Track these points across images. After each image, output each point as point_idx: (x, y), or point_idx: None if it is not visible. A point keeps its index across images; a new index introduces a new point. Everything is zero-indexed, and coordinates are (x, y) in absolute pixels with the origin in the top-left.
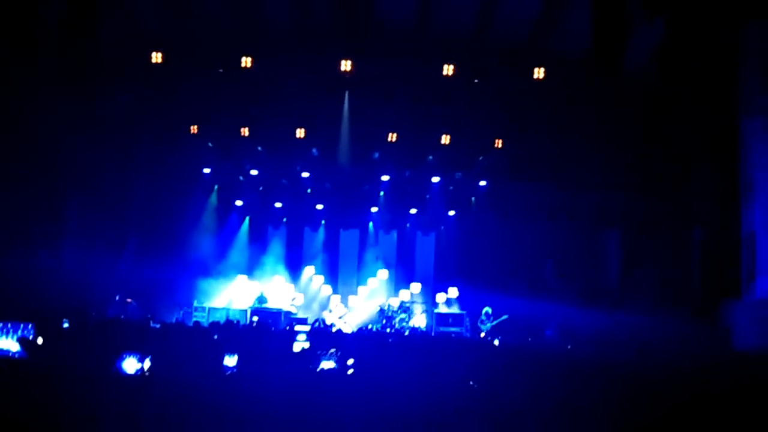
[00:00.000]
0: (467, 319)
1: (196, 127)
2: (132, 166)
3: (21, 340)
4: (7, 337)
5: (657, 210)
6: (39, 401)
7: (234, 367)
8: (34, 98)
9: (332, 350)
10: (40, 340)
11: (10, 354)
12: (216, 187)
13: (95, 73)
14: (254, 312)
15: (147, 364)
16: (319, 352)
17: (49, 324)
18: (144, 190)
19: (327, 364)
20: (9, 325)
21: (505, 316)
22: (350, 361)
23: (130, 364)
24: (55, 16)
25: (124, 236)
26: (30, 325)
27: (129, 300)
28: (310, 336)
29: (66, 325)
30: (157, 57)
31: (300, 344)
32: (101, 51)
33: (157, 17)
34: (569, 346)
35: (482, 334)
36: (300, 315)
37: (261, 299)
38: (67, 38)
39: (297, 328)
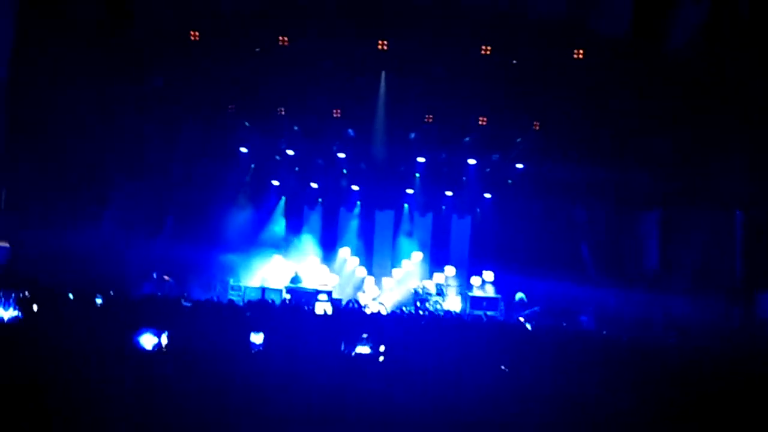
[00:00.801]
0: (502, 303)
1: (233, 105)
2: (171, 145)
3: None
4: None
5: (698, 192)
6: (47, 374)
7: (260, 345)
8: (76, 79)
9: (365, 335)
10: (35, 307)
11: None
12: (252, 166)
13: (134, 53)
14: (288, 291)
15: (164, 339)
16: (354, 338)
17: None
18: (182, 169)
19: (362, 349)
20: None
21: (536, 308)
22: (382, 348)
23: (148, 340)
24: None
25: (163, 214)
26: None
27: (166, 277)
28: (333, 303)
29: (99, 300)
30: (194, 35)
31: (322, 306)
32: (140, 31)
33: None
34: (604, 332)
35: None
36: (334, 296)
37: (295, 279)
38: (106, 19)
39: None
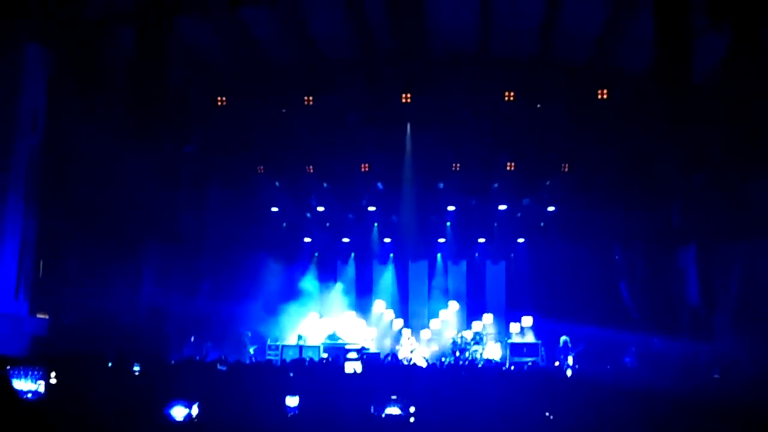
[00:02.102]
0: (542, 348)
1: (262, 167)
2: (202, 208)
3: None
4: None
5: (734, 223)
6: None
7: (295, 408)
8: (107, 145)
9: (394, 397)
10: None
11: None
12: (284, 224)
13: (164, 119)
14: (326, 349)
15: (195, 410)
16: (383, 399)
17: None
18: (215, 231)
19: (392, 410)
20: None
21: (581, 347)
22: (412, 409)
23: (178, 411)
24: (123, 64)
25: (198, 276)
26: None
27: (204, 343)
28: (363, 360)
29: (137, 368)
30: (222, 100)
31: (351, 365)
32: (168, 97)
33: (220, 62)
34: (647, 373)
35: (556, 363)
36: (371, 350)
37: (333, 336)
38: (135, 86)
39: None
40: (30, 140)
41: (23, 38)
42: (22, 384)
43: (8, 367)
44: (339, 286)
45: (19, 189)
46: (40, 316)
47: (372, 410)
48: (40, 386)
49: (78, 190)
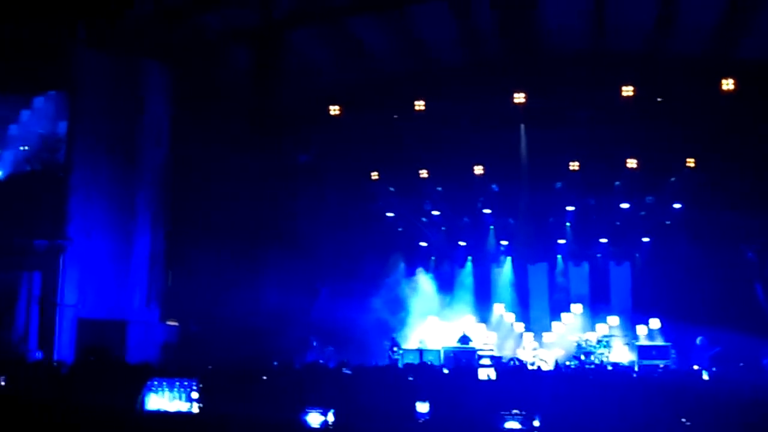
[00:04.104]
0: (673, 351)
1: (376, 173)
2: (320, 214)
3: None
4: (179, 396)
5: None
6: None
7: (427, 414)
8: (228, 157)
9: (515, 411)
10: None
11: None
12: (400, 229)
13: (280, 129)
14: (447, 352)
15: (331, 417)
16: (503, 413)
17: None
18: (332, 237)
19: (512, 425)
20: (177, 383)
21: (717, 348)
22: (536, 423)
23: (314, 418)
24: (240, 78)
25: (317, 282)
26: (194, 381)
27: (326, 347)
28: (498, 366)
29: (264, 375)
30: (335, 109)
31: (485, 371)
32: (284, 109)
33: (332, 72)
34: None
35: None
36: (494, 354)
37: (464, 339)
38: (252, 99)
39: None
40: (155, 154)
41: (145, 57)
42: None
43: (154, 380)
44: (457, 289)
45: (147, 201)
46: (170, 323)
47: (493, 422)
48: (193, 405)
49: (201, 201)
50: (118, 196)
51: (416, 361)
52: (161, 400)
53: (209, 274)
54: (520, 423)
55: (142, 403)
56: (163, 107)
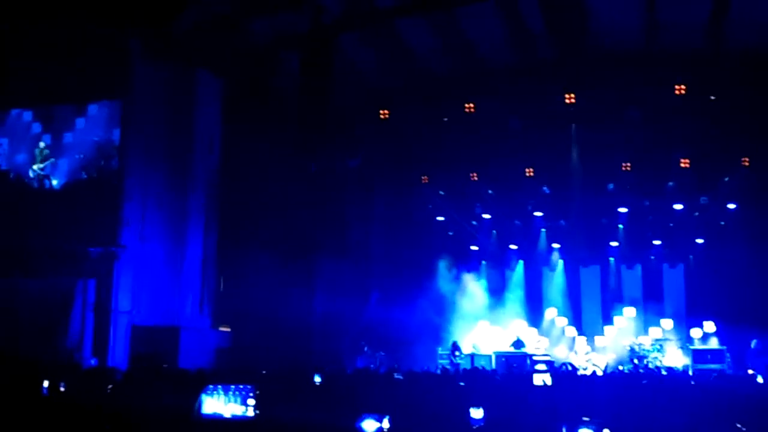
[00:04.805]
0: (728, 355)
1: (426, 176)
2: (370, 219)
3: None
4: (234, 401)
5: None
6: None
7: (481, 420)
8: (278, 164)
9: (586, 419)
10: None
11: (236, 417)
12: (450, 233)
13: (330, 134)
14: (500, 357)
15: (386, 424)
16: (574, 422)
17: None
18: (382, 241)
19: None
20: (233, 388)
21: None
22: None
23: (370, 425)
24: (290, 84)
25: (367, 287)
26: (251, 387)
27: (377, 352)
28: (552, 371)
29: (318, 379)
30: (384, 113)
31: (540, 377)
32: (334, 114)
33: (381, 76)
34: None
35: (750, 371)
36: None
37: (518, 343)
38: (302, 106)
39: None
40: (207, 162)
41: (197, 65)
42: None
43: (210, 386)
44: (508, 293)
45: (199, 208)
46: (222, 329)
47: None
48: (249, 410)
49: (252, 206)
50: (171, 203)
51: (488, 366)
52: (217, 404)
53: (260, 280)
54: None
55: (199, 407)
56: (215, 115)
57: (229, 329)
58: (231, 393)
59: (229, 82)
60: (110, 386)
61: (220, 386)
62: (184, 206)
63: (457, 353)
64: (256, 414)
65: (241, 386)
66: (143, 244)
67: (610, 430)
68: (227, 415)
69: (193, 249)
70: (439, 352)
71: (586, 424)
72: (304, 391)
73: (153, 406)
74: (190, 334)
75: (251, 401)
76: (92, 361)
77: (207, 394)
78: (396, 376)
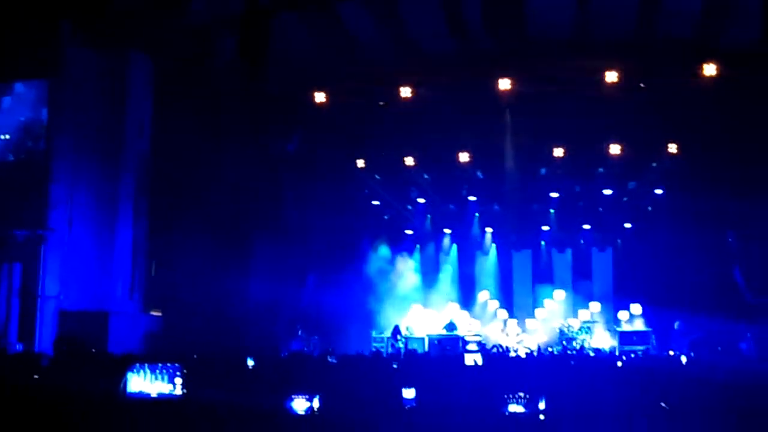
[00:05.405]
0: (653, 336)
1: (363, 161)
2: (307, 203)
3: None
4: (161, 379)
5: None
6: None
7: (413, 399)
8: (213, 147)
9: (521, 394)
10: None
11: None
12: (386, 217)
13: (266, 119)
14: (433, 339)
15: (316, 403)
16: (506, 396)
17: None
18: (319, 225)
19: (515, 408)
20: (160, 366)
21: (696, 335)
22: (542, 405)
23: (300, 404)
24: (225, 67)
25: (303, 271)
26: (178, 366)
27: (311, 336)
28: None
29: (251, 363)
30: (321, 98)
31: (471, 357)
32: (270, 97)
33: (318, 60)
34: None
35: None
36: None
37: (451, 326)
38: (238, 88)
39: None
40: (138, 145)
41: (130, 47)
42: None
43: (136, 365)
44: (441, 277)
45: (129, 192)
46: (153, 313)
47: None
48: (176, 388)
49: (186, 191)
50: (101, 186)
51: (421, 349)
52: (143, 383)
53: (193, 264)
54: (524, 406)
55: (124, 386)
56: (147, 97)
57: (160, 314)
58: (158, 371)
59: (163, 63)
60: (36, 372)
61: (146, 365)
62: (115, 189)
63: (399, 337)
64: (183, 393)
65: (168, 365)
66: (72, 228)
67: (542, 406)
68: (154, 393)
69: (124, 232)
70: (373, 335)
71: (517, 400)
72: (236, 373)
73: (79, 390)
74: (120, 319)
75: (178, 380)
76: (18, 347)
77: (133, 372)
78: (329, 359)
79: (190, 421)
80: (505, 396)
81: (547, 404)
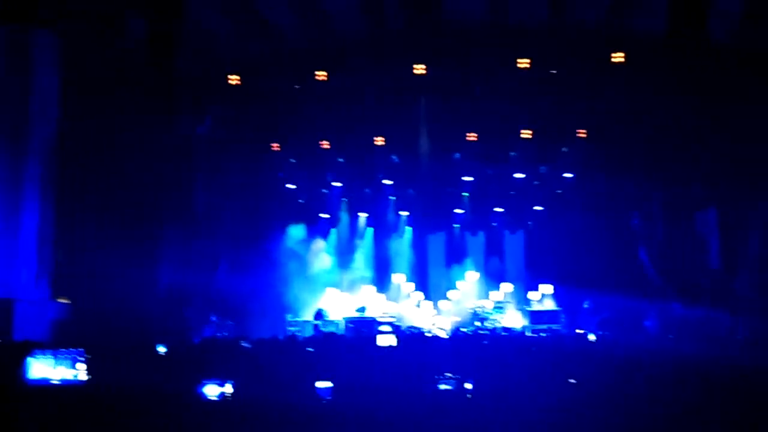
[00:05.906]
0: (563, 316)
1: (277, 144)
2: (219, 187)
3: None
4: (64, 365)
5: (754, 185)
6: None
7: (328, 389)
8: (121, 130)
9: (448, 374)
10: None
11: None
12: (301, 201)
13: (177, 101)
14: (348, 321)
15: (228, 389)
16: (436, 377)
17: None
18: (232, 210)
19: (444, 387)
20: (62, 351)
21: (605, 315)
22: (468, 385)
23: (212, 390)
24: (136, 47)
25: (216, 256)
26: (80, 351)
27: (225, 321)
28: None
29: (162, 349)
30: (234, 80)
31: (385, 338)
32: (181, 79)
33: (232, 42)
34: (670, 336)
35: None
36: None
37: (362, 309)
38: (148, 70)
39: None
40: (44, 128)
41: (34, 25)
42: (55, 370)
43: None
44: (356, 260)
45: (34, 177)
46: (62, 301)
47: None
48: (80, 373)
49: (94, 175)
50: (4, 170)
51: (339, 332)
52: (45, 368)
53: (103, 250)
54: (452, 386)
55: (25, 372)
56: (54, 79)
57: (69, 301)
58: (61, 357)
59: (71, 45)
60: None
61: (48, 350)
62: (18, 174)
63: (321, 320)
64: (88, 378)
65: (71, 350)
66: None
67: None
68: (56, 379)
69: (29, 219)
70: (288, 319)
71: (445, 380)
72: (146, 360)
73: None
74: (26, 307)
75: (81, 365)
76: None
77: (35, 358)
78: (243, 344)
79: (95, 407)
80: (436, 377)
81: (473, 384)
